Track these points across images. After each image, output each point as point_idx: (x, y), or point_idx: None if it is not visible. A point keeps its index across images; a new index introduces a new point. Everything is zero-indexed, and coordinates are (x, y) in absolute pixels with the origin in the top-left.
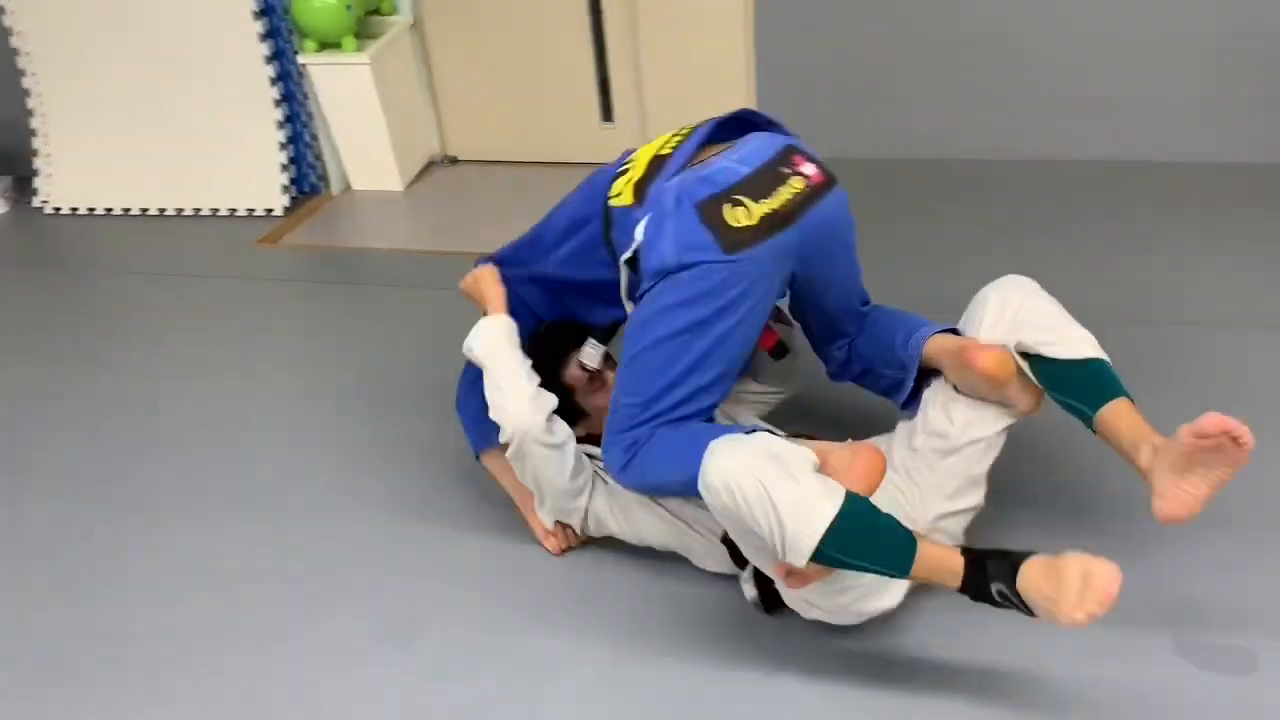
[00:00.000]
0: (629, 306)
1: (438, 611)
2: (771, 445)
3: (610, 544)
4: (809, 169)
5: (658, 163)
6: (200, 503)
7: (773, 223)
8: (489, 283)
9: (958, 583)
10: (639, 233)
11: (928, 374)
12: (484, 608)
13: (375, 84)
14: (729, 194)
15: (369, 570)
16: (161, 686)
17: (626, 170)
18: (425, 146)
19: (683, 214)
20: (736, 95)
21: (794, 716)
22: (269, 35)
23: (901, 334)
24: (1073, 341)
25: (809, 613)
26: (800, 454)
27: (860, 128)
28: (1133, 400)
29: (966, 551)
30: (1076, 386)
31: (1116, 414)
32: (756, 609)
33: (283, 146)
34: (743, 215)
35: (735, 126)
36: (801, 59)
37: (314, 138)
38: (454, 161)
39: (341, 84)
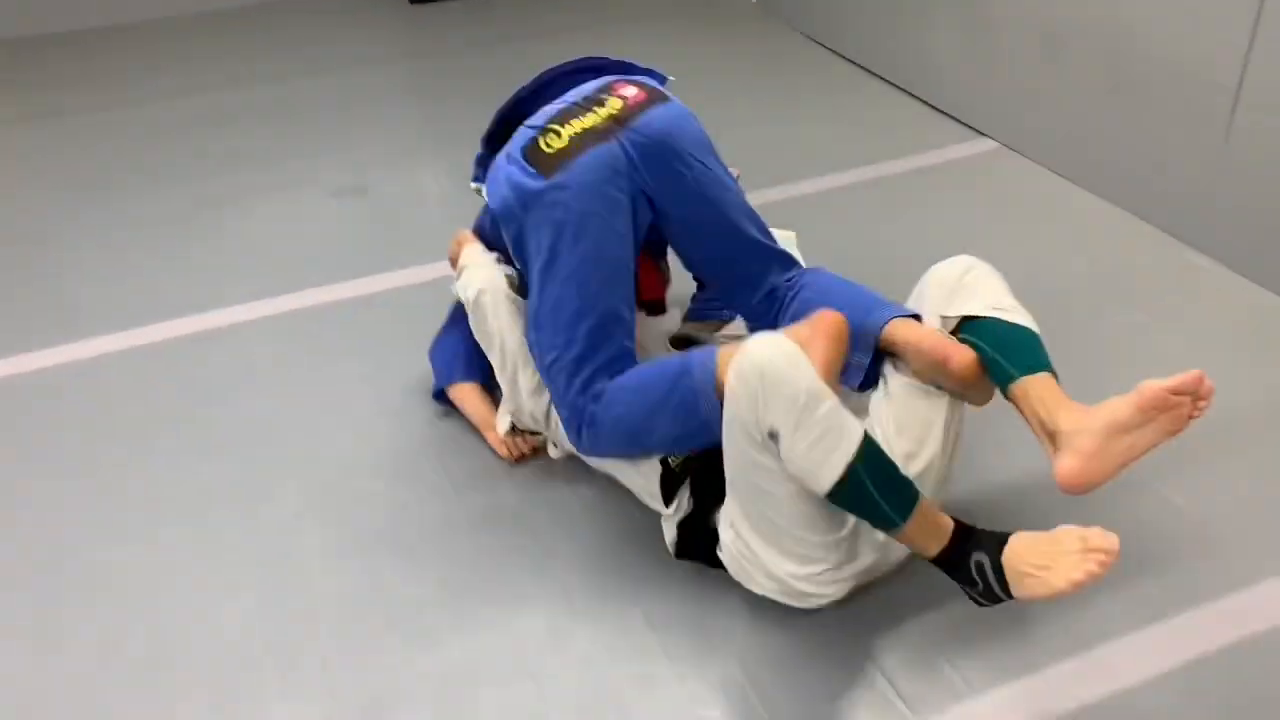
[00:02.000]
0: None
1: None
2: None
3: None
4: (629, 91)
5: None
6: None
7: (585, 140)
8: (468, 240)
9: (941, 546)
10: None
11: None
12: None
13: None
14: (544, 128)
15: None
16: None
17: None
18: None
19: (510, 160)
20: None
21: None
22: None
23: (853, 313)
24: (1015, 311)
25: (751, 584)
26: None
27: None
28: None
29: (957, 520)
30: (1008, 346)
31: (1043, 384)
32: (673, 552)
33: None
34: (554, 140)
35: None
36: None
37: None
38: None
39: None
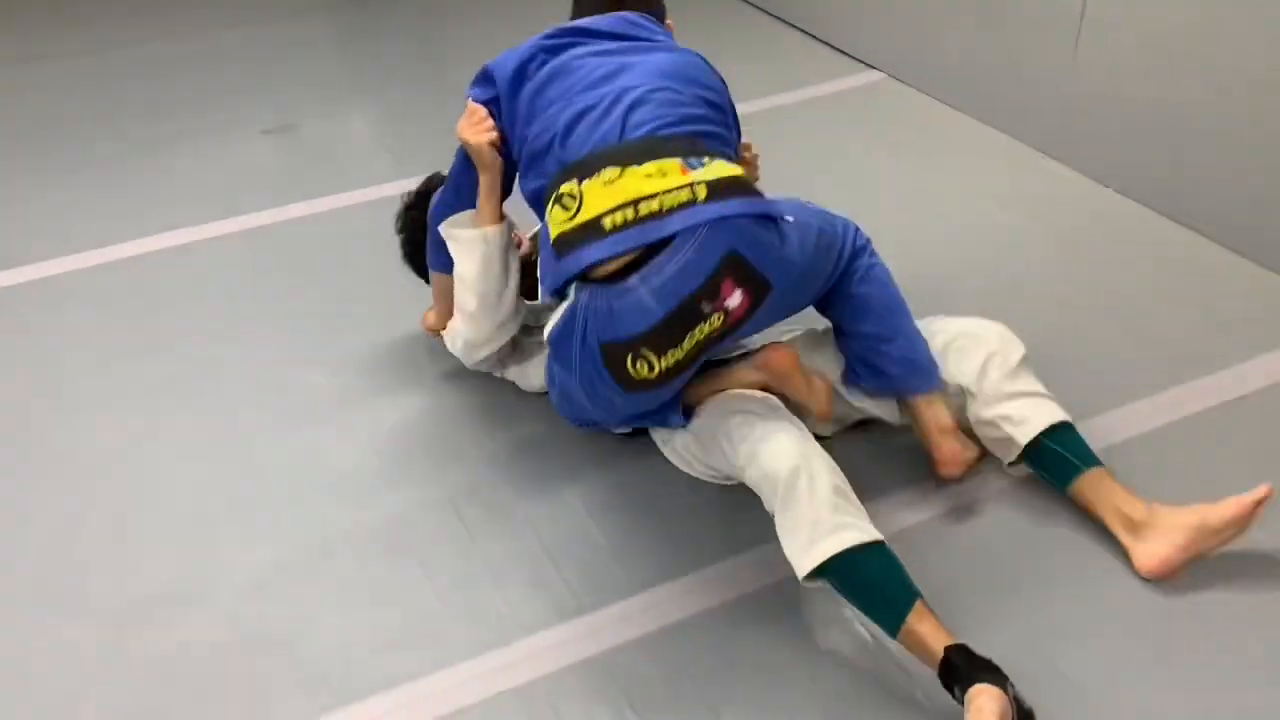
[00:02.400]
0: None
1: None
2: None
3: None
4: (735, 300)
5: (591, 230)
6: None
7: (676, 372)
8: (484, 148)
9: (933, 667)
10: (551, 316)
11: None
12: None
13: None
14: (634, 346)
15: None
16: None
17: (570, 205)
18: None
19: (587, 349)
20: None
21: None
22: None
23: (889, 358)
24: (1043, 407)
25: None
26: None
27: None
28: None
29: (948, 649)
30: (1066, 451)
31: (1107, 478)
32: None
33: None
34: (644, 369)
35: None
36: None
37: None
38: None
39: None
